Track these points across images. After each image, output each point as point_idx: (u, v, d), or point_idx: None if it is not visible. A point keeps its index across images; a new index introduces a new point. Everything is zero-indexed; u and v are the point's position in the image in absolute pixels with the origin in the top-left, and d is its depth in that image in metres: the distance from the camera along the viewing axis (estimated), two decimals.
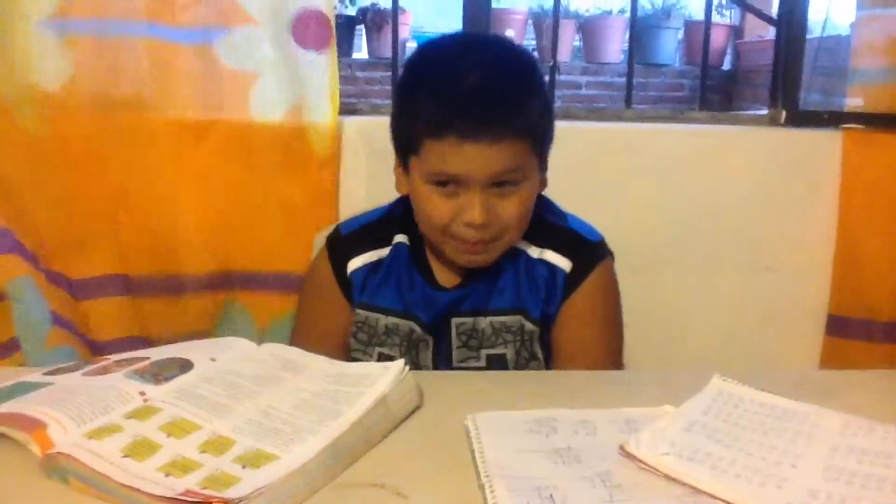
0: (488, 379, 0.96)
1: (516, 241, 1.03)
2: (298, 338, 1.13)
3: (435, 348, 1.07)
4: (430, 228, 1.00)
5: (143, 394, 0.73)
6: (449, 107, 0.92)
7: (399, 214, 1.09)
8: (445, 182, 0.95)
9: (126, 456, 0.63)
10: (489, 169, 0.92)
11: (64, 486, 0.63)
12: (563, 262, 1.05)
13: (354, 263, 1.09)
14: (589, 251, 1.07)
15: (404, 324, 1.07)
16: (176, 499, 0.58)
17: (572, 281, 1.05)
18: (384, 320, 1.07)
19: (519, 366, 1.05)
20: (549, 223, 1.07)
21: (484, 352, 1.05)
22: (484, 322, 1.05)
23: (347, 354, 1.10)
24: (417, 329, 1.06)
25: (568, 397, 0.81)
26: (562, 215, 1.10)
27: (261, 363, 0.82)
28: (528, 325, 1.05)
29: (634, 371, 1.12)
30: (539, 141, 0.98)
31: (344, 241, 1.11)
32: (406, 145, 0.99)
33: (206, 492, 0.58)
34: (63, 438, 0.66)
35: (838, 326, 1.50)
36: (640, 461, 0.66)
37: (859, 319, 1.49)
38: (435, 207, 0.96)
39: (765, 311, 1.50)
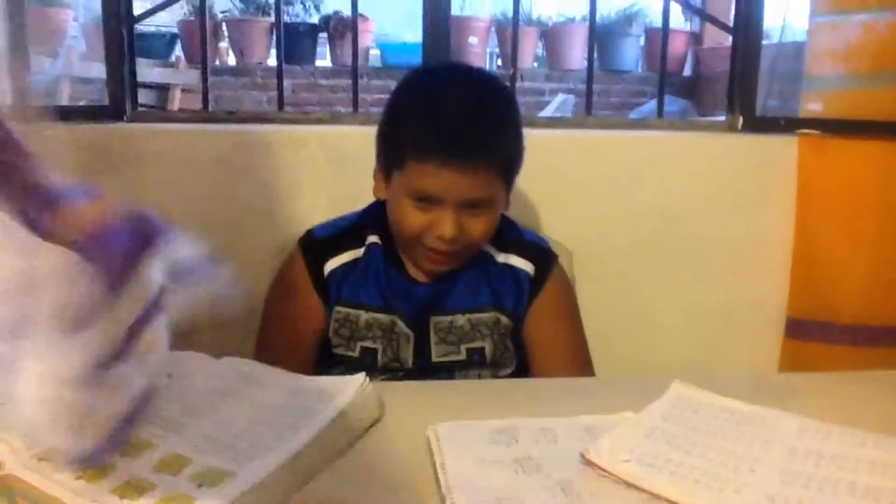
0: (450, 389, 0.96)
1: (477, 251, 1.12)
2: (266, 342, 1.15)
3: (415, 344, 1.12)
4: (404, 237, 1.09)
5: None
6: (434, 136, 1.01)
7: (370, 220, 1.15)
8: (423, 199, 1.03)
9: (79, 478, 0.62)
10: (464, 193, 1.02)
11: None
12: (526, 266, 1.16)
13: (332, 264, 1.13)
14: (546, 256, 1.19)
15: (385, 318, 1.12)
16: None
17: (536, 283, 1.16)
18: (365, 316, 1.12)
19: (496, 356, 1.13)
20: (509, 232, 1.17)
21: (464, 346, 1.12)
22: (462, 319, 1.12)
23: (316, 357, 1.13)
24: (399, 322, 1.11)
25: (529, 406, 0.82)
26: (516, 227, 1.21)
27: (218, 377, 0.80)
28: (504, 320, 1.14)
29: (594, 378, 1.13)
30: (509, 170, 1.08)
31: (320, 244, 1.15)
32: (391, 160, 1.07)
33: None
34: (12, 459, 0.64)
35: (797, 329, 1.52)
36: (601, 469, 0.66)
37: (817, 322, 1.51)
38: (411, 219, 1.05)
39: (724, 315, 1.52)
